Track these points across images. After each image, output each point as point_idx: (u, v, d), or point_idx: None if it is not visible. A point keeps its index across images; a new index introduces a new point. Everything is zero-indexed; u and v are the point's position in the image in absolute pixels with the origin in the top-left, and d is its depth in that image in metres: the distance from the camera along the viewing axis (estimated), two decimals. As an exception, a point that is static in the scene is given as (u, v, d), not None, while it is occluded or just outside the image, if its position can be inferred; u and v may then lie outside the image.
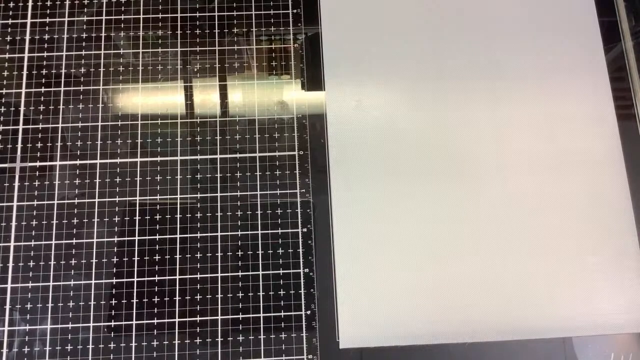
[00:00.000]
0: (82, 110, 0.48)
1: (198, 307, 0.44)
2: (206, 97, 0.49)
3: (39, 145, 0.47)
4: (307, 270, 0.45)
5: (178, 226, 0.45)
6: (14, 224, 0.45)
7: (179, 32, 0.50)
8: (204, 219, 0.46)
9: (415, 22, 0.50)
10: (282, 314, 0.44)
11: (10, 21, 0.50)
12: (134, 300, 0.44)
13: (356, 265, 0.45)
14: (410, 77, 0.49)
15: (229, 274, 0.45)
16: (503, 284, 0.44)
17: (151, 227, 0.45)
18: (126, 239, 0.45)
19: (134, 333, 0.43)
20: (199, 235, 0.45)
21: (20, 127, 0.47)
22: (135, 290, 0.44)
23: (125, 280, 0.44)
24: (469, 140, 0.47)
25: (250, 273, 0.45)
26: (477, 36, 0.50)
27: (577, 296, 0.44)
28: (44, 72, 0.48)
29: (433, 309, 0.44)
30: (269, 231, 0.45)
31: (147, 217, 0.45)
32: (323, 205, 0.46)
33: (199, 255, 0.45)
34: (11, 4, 0.50)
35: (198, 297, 0.44)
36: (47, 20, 0.50)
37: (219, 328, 0.43)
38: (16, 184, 0.46)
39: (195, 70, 0.49)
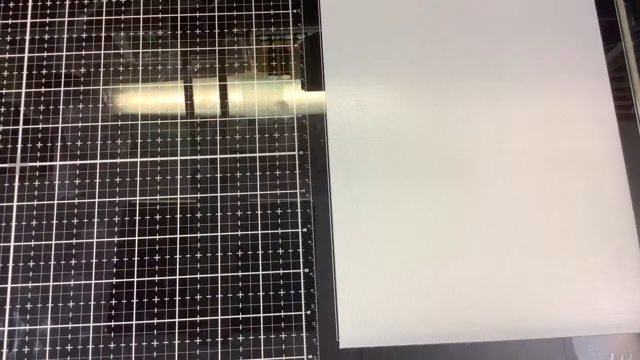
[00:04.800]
0: (82, 110, 0.48)
1: (198, 307, 0.44)
2: (206, 97, 0.49)
3: (39, 145, 0.47)
4: (307, 270, 0.45)
5: (178, 226, 0.45)
6: (14, 224, 0.45)
7: (179, 32, 0.50)
8: (204, 219, 0.46)
9: (415, 22, 0.50)
10: (282, 314, 0.44)
11: (10, 21, 0.50)
12: (134, 300, 0.44)
13: (356, 265, 0.45)
14: (410, 77, 0.49)
15: (229, 274, 0.45)
16: (503, 284, 0.44)
17: (151, 227, 0.45)
18: (126, 239, 0.45)
19: (134, 333, 0.43)
20: (199, 235, 0.45)
21: (20, 127, 0.47)
22: (135, 290, 0.44)
23: (125, 280, 0.44)
24: (469, 140, 0.47)
25: (250, 273, 0.45)
26: (477, 36, 0.50)
27: (577, 296, 0.44)
28: (44, 72, 0.48)
29: (433, 309, 0.44)
30: (269, 231, 0.45)
31: (147, 217, 0.45)
32: (323, 205, 0.46)
33: (199, 255, 0.45)
34: (11, 4, 0.50)
35: (198, 297, 0.44)
36: (47, 20, 0.50)
37: (219, 328, 0.43)
38: (16, 184, 0.46)
39: (195, 70, 0.49)
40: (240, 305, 0.44)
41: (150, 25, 0.50)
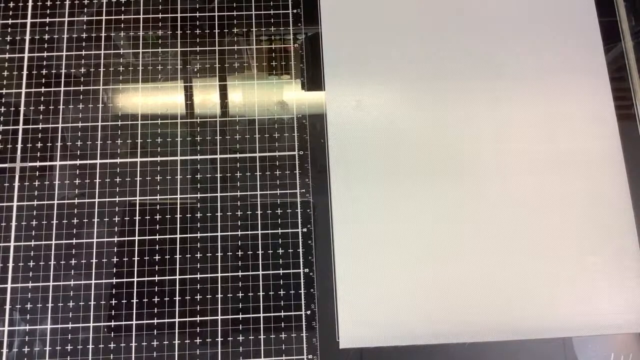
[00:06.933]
0: (82, 110, 0.48)
1: (198, 307, 0.44)
2: (206, 97, 0.49)
3: (39, 145, 0.47)
4: (307, 270, 0.45)
5: (178, 226, 0.45)
6: (14, 224, 0.45)
7: (179, 32, 0.50)
8: (204, 219, 0.46)
9: (415, 22, 0.50)
10: (282, 314, 0.44)
11: (10, 21, 0.50)
12: (134, 300, 0.44)
13: (356, 265, 0.45)
14: (410, 77, 0.49)
15: (229, 274, 0.45)
16: (503, 284, 0.44)
17: (151, 227, 0.45)
18: (126, 239, 0.45)
19: (134, 333, 0.43)
20: (199, 235, 0.45)
21: (20, 127, 0.47)
22: (135, 290, 0.44)
23: (125, 280, 0.44)
24: (469, 140, 0.47)
25: (250, 273, 0.45)
26: (477, 36, 0.50)
27: (577, 296, 0.44)
28: (44, 72, 0.48)
29: (433, 309, 0.44)
30: (269, 231, 0.45)
31: (147, 217, 0.45)
32: (323, 205, 0.46)
33: (199, 255, 0.45)
34: (11, 4, 0.50)
35: (198, 297, 0.44)
36: (47, 20, 0.50)
37: (219, 328, 0.43)
38: (16, 184, 0.46)
39: (195, 70, 0.49)
40: (240, 305, 0.44)
41: (150, 25, 0.50)
